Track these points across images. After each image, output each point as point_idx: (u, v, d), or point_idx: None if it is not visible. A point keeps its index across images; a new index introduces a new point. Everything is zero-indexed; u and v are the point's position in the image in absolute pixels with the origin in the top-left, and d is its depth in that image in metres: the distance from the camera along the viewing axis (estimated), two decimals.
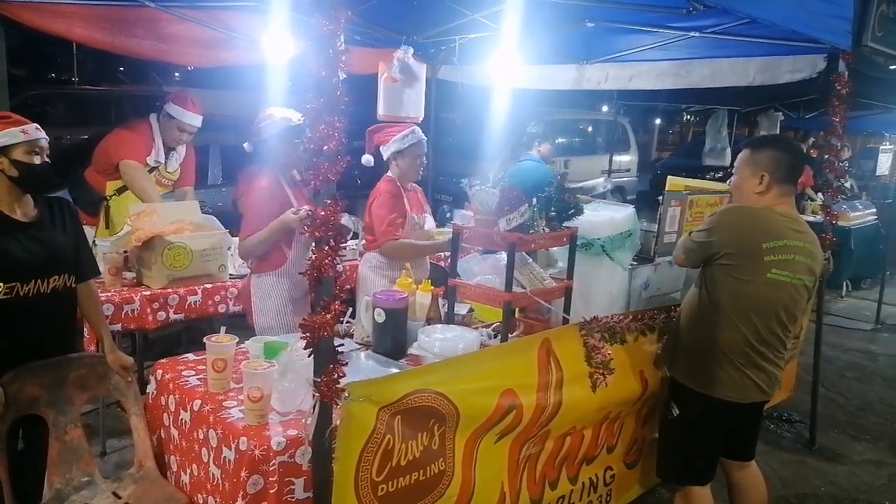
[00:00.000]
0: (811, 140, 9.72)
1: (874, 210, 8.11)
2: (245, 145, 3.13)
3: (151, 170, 3.94)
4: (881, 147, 11.27)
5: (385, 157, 3.42)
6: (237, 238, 3.10)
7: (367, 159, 3.42)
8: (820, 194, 6.12)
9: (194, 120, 3.94)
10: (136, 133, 3.90)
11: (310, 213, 2.78)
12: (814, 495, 3.54)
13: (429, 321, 2.79)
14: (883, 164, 10.51)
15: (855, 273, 7.68)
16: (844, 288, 7.61)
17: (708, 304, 2.45)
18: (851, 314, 6.92)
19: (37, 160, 2.24)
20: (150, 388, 2.48)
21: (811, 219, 7.30)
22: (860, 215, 7.77)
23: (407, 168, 3.38)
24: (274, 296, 3.06)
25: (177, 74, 14.77)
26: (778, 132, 9.41)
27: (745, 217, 2.43)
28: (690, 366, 2.53)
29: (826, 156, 3.87)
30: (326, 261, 1.63)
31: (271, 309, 3.06)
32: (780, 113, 9.45)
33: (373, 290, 2.85)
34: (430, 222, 3.57)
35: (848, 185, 8.64)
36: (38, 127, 2.26)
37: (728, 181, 2.67)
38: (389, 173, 3.41)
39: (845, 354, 5.75)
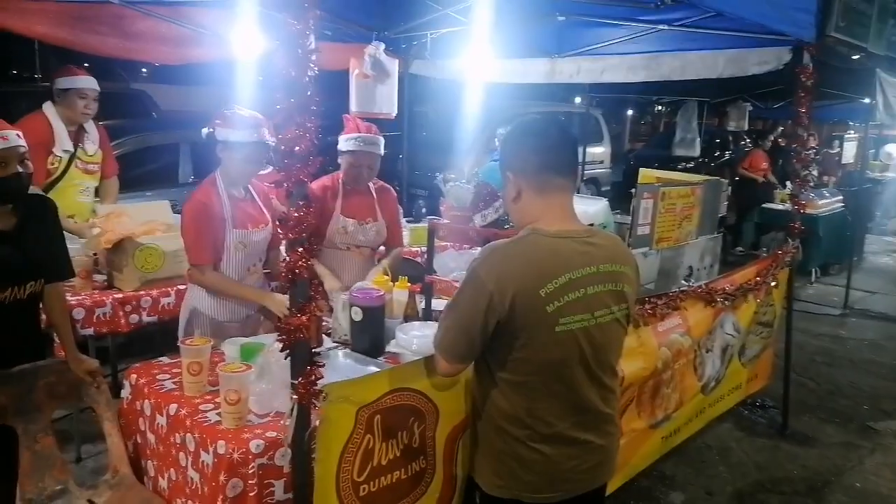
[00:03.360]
0: (779, 129, 9.89)
1: (841, 198, 8.30)
2: (203, 131, 2.69)
3: (69, 161, 3.67)
4: (845, 136, 11.53)
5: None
6: None
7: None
8: (788, 182, 6.23)
9: (89, 82, 3.73)
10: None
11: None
12: (787, 479, 3.63)
13: (406, 318, 2.79)
14: (848, 153, 10.76)
15: (823, 260, 7.86)
16: (813, 274, 7.78)
17: (489, 378, 1.77)
18: (820, 300, 7.09)
19: (19, 168, 2.17)
20: (125, 393, 2.44)
21: (780, 207, 7.52)
22: (827, 203, 7.96)
23: (344, 170, 3.12)
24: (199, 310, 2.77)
25: (144, 70, 14.50)
26: (746, 123, 9.56)
27: (507, 263, 1.64)
28: (492, 465, 1.82)
29: (794, 145, 3.95)
30: (300, 263, 1.62)
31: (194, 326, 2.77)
32: (749, 103, 9.61)
33: None
34: (375, 233, 3.19)
35: (815, 173, 8.82)
36: (20, 134, 2.18)
37: None
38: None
39: (815, 340, 5.89)
